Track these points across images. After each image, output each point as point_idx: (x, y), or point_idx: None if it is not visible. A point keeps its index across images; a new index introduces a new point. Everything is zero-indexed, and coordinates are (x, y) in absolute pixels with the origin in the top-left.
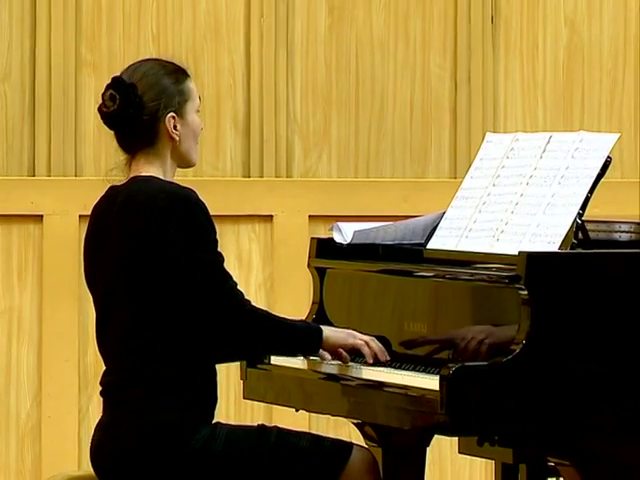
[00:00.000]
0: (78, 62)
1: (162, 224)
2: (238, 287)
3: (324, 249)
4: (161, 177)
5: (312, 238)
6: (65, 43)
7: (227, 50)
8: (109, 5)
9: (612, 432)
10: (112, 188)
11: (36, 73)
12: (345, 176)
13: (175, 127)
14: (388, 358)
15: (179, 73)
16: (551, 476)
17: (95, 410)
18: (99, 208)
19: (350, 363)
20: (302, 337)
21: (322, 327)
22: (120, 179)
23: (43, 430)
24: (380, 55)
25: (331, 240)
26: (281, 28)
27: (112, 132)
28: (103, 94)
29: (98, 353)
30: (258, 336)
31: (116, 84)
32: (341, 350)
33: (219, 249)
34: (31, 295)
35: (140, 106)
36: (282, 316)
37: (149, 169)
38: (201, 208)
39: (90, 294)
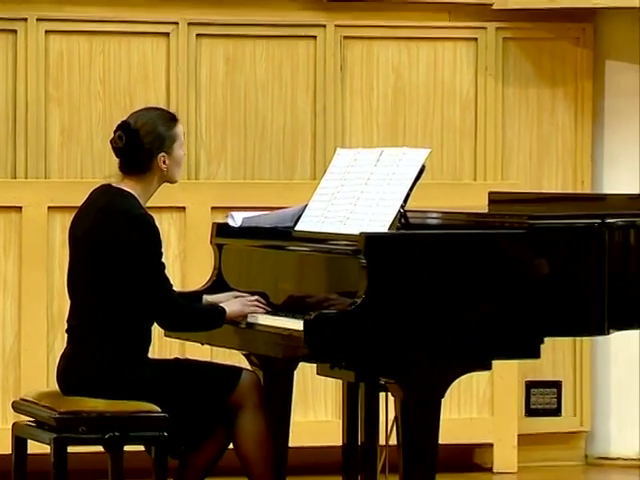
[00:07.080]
0: (47, 97)
1: (125, 234)
2: (173, 288)
3: (222, 231)
4: (138, 197)
5: (213, 223)
6: (37, 83)
7: (153, 90)
8: (69, 57)
9: (423, 361)
10: (106, 185)
11: (17, 105)
12: (237, 179)
13: (164, 162)
14: (268, 309)
15: (171, 120)
16: (382, 391)
17: (59, 345)
18: (91, 195)
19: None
20: (212, 319)
21: (223, 306)
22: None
23: (22, 359)
24: (262, 93)
25: (226, 224)
26: (192, 74)
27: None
28: (115, 132)
29: (61, 306)
30: (184, 322)
31: (124, 128)
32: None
33: (163, 260)
34: (13, 264)
35: (140, 147)
36: (199, 306)
37: (134, 186)
38: (155, 229)
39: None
